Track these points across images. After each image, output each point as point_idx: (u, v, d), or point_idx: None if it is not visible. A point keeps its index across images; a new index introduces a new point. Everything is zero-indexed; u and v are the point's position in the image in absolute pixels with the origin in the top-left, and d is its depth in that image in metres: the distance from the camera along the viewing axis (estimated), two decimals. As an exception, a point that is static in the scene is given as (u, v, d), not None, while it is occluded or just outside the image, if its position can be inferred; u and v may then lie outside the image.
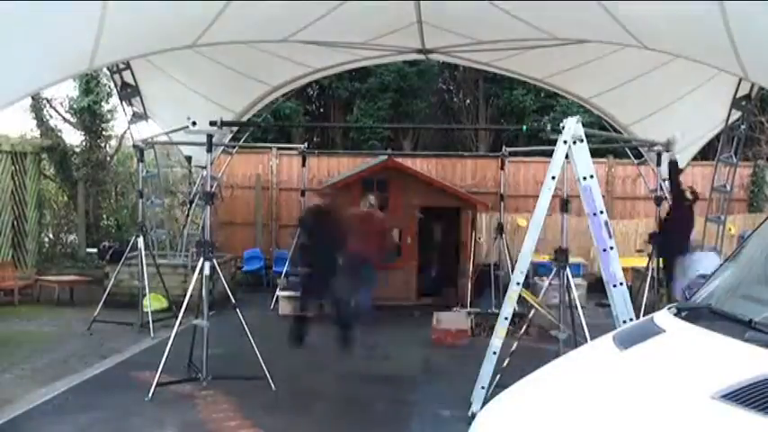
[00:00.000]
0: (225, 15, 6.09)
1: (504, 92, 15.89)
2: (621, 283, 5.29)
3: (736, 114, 8.86)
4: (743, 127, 9.11)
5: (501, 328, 5.54)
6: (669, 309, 3.10)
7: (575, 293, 5.90)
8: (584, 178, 5.39)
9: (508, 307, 5.55)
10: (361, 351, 7.39)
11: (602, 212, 5.34)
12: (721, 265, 3.62)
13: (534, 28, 6.68)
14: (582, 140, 5.40)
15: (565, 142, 5.41)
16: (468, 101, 17.98)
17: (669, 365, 2.57)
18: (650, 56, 6.85)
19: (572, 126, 5.39)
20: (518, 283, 5.51)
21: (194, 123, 6.03)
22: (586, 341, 5.34)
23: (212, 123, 6.04)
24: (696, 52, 6.05)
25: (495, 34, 7.49)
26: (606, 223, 5.33)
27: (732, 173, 9.44)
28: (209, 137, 6.14)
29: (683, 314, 2.96)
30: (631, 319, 5.21)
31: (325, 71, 10.14)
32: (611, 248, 5.29)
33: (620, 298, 5.28)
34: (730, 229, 9.89)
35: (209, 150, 6.22)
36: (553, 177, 5.49)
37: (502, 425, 2.69)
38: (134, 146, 8.84)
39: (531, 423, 2.57)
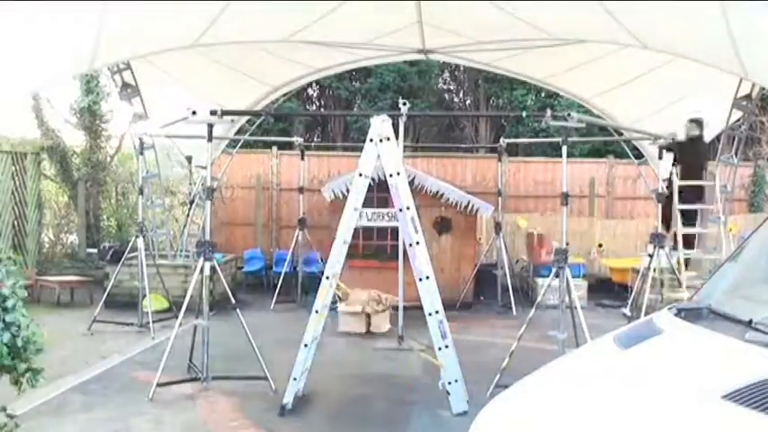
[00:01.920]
0: (225, 15, 6.09)
1: (504, 92, 15.91)
2: (428, 277, 5.58)
3: (736, 114, 8.86)
4: (743, 127, 9.11)
5: (312, 321, 5.68)
6: (669, 309, 3.10)
7: (574, 294, 5.89)
8: (391, 175, 5.63)
9: (318, 300, 5.71)
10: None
11: (408, 208, 5.58)
12: (721, 264, 3.62)
13: (534, 28, 6.68)
14: (389, 139, 5.64)
15: (371, 140, 5.65)
16: (468, 101, 18.00)
17: (670, 366, 2.56)
18: (650, 56, 6.86)
19: (378, 125, 5.65)
20: (327, 278, 5.67)
21: (194, 113, 6.02)
22: (586, 341, 5.35)
23: (212, 113, 6.04)
24: (696, 52, 6.05)
25: (495, 34, 7.49)
26: (413, 219, 5.58)
27: (732, 173, 9.44)
28: (210, 127, 6.14)
29: (683, 314, 2.96)
30: (437, 312, 5.55)
31: (326, 71, 10.15)
32: (418, 243, 5.58)
33: (425, 291, 5.58)
34: (731, 229, 9.88)
35: (210, 140, 6.21)
36: (361, 174, 5.69)
37: (502, 425, 2.69)
38: (138, 140, 8.82)
39: (531, 423, 2.57)
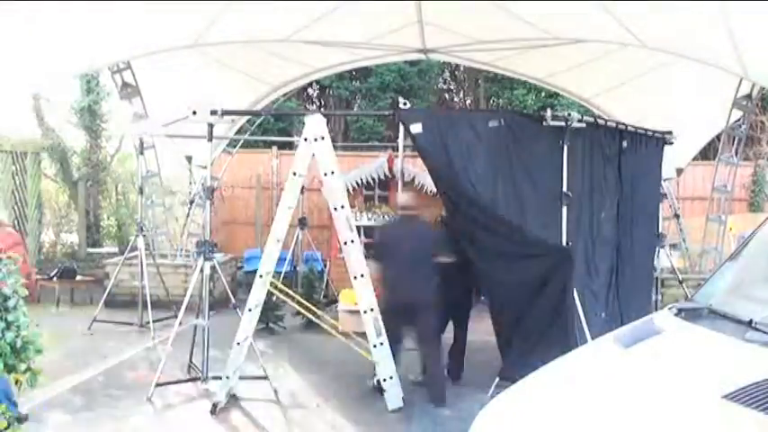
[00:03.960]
0: (225, 15, 6.10)
1: (504, 92, 15.89)
2: (363, 275, 5.61)
3: (736, 114, 8.86)
4: (743, 127, 9.11)
5: (246, 319, 5.69)
6: (670, 309, 3.09)
7: (575, 293, 5.87)
8: (325, 174, 5.66)
9: (251, 298, 5.72)
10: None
11: (342, 207, 5.63)
12: (722, 265, 3.62)
13: (534, 28, 6.68)
14: (323, 138, 5.64)
15: (305, 140, 5.64)
16: (468, 101, 18.00)
17: (671, 365, 2.56)
18: (650, 55, 6.86)
19: (312, 125, 5.67)
20: (260, 276, 5.71)
21: (195, 113, 6.03)
22: (586, 341, 5.34)
23: (213, 112, 6.06)
24: (696, 52, 6.05)
25: (495, 34, 7.49)
26: (347, 218, 5.64)
27: (732, 173, 9.44)
28: (210, 126, 6.15)
29: (683, 314, 2.96)
30: (372, 310, 5.65)
31: (326, 71, 10.15)
32: (353, 242, 5.62)
33: (360, 289, 5.64)
34: (731, 229, 9.88)
35: (210, 140, 6.22)
36: (295, 174, 5.68)
37: (503, 425, 2.69)
38: (138, 140, 8.82)
39: (532, 423, 2.56)
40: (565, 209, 5.83)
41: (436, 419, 5.48)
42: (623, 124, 6.77)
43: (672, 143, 7.57)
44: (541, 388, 2.84)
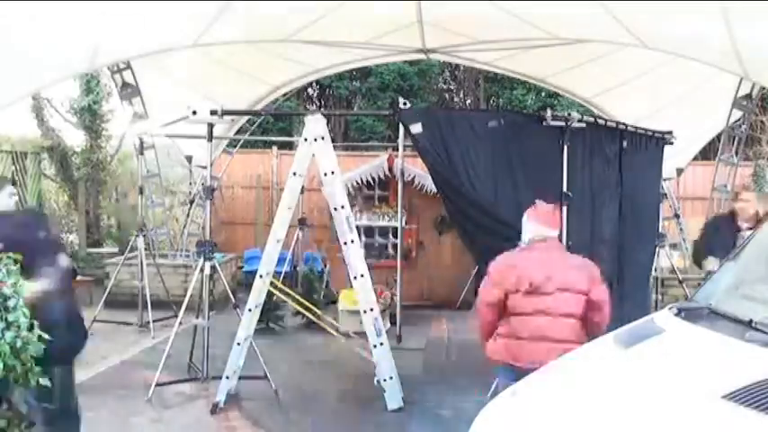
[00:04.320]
0: (225, 15, 6.09)
1: (504, 92, 15.91)
2: (362, 275, 5.66)
3: (736, 114, 8.85)
4: (743, 126, 9.11)
5: (246, 319, 5.75)
6: (670, 309, 3.10)
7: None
8: (325, 174, 5.70)
9: (251, 299, 5.77)
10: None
11: (342, 207, 5.67)
12: (721, 264, 3.62)
13: (535, 27, 6.67)
14: (323, 138, 5.67)
15: (305, 140, 5.67)
16: (468, 100, 18.01)
17: (671, 365, 2.57)
18: (651, 55, 6.85)
19: (312, 124, 5.70)
20: (260, 276, 5.74)
21: (195, 112, 6.04)
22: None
23: (213, 112, 6.07)
24: (696, 52, 6.04)
25: (495, 34, 7.48)
26: (347, 218, 5.69)
27: (733, 173, 9.44)
28: (210, 126, 6.16)
29: (684, 314, 2.96)
30: (372, 309, 5.67)
31: (326, 71, 10.14)
32: (352, 242, 5.66)
33: (360, 289, 5.70)
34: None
35: (210, 140, 6.23)
36: (294, 174, 5.72)
37: (503, 425, 2.69)
38: (138, 140, 8.83)
39: (532, 423, 2.57)
40: (565, 209, 5.82)
41: (436, 419, 5.49)
42: (623, 124, 6.78)
43: (672, 143, 7.56)
44: (541, 388, 2.84)
